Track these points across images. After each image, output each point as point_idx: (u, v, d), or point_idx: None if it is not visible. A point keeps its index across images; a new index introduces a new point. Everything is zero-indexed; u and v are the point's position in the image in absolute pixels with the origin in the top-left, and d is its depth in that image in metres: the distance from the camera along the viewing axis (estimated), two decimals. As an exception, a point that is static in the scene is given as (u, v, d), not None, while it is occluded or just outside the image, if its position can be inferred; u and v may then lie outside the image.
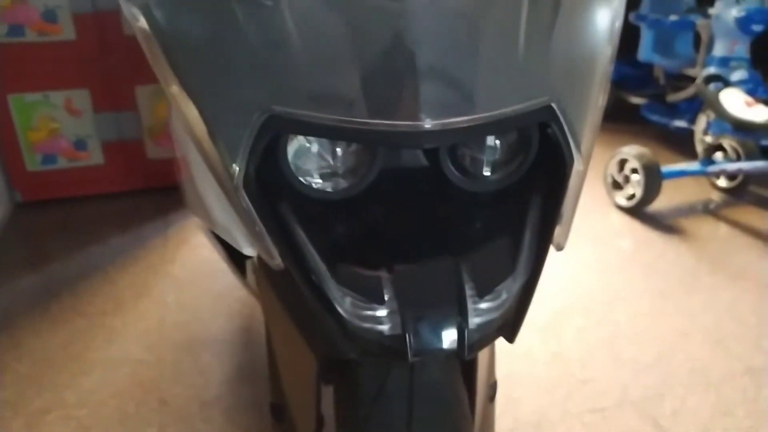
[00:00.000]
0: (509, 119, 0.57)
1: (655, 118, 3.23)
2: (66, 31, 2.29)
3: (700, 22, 2.95)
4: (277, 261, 0.60)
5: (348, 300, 0.58)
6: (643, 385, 1.49)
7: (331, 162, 0.62)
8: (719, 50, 2.73)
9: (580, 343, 1.64)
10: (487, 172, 0.65)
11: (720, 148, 2.52)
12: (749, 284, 1.95)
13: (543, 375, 1.52)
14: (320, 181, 0.62)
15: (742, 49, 2.66)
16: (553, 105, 0.59)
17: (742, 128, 2.23)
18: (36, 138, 2.41)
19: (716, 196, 2.64)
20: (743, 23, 2.60)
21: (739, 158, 2.48)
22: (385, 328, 0.58)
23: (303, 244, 0.58)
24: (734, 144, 2.47)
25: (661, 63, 3.29)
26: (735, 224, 2.38)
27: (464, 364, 0.73)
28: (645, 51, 3.28)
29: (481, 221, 0.67)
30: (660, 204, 2.43)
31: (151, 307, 1.81)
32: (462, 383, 0.72)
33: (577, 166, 0.61)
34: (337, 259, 0.59)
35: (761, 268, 2.05)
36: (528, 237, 0.62)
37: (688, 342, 1.66)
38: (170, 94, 0.59)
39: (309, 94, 0.54)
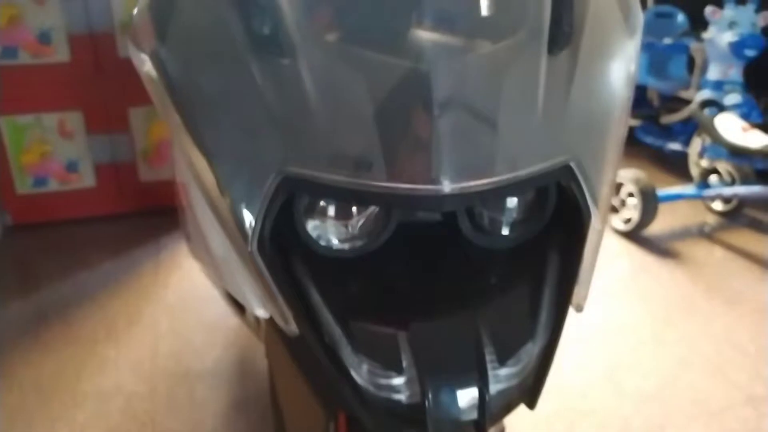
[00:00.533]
0: (528, 180, 0.56)
1: (649, 140, 3.24)
2: (60, 53, 2.27)
3: (693, 45, 2.97)
4: (292, 327, 0.58)
5: (365, 367, 0.56)
6: (645, 416, 1.47)
7: (347, 222, 0.61)
8: (713, 74, 2.75)
9: (581, 374, 1.62)
10: (505, 231, 0.64)
11: (715, 171, 2.52)
12: (746, 309, 1.94)
13: (544, 407, 1.50)
14: (335, 240, 0.61)
15: (736, 73, 2.67)
16: (572, 164, 0.58)
17: (738, 153, 2.24)
18: (28, 160, 2.38)
19: (711, 219, 2.64)
20: (737, 48, 2.62)
21: (734, 182, 2.48)
22: (403, 396, 0.56)
23: (318, 308, 0.56)
24: (729, 168, 2.48)
25: (655, 85, 3.31)
26: (730, 248, 2.38)
27: None
28: (639, 73, 3.29)
29: (498, 276, 0.66)
30: (656, 227, 2.43)
31: (144, 335, 1.78)
32: None
33: (595, 224, 0.60)
34: (352, 319, 0.58)
35: (757, 293, 2.05)
36: (547, 298, 0.61)
37: (688, 371, 1.64)
38: (178, 139, 0.58)
39: (326, 156, 0.53)
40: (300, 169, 0.53)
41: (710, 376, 1.62)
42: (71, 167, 2.44)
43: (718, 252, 2.37)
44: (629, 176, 2.37)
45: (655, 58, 3.25)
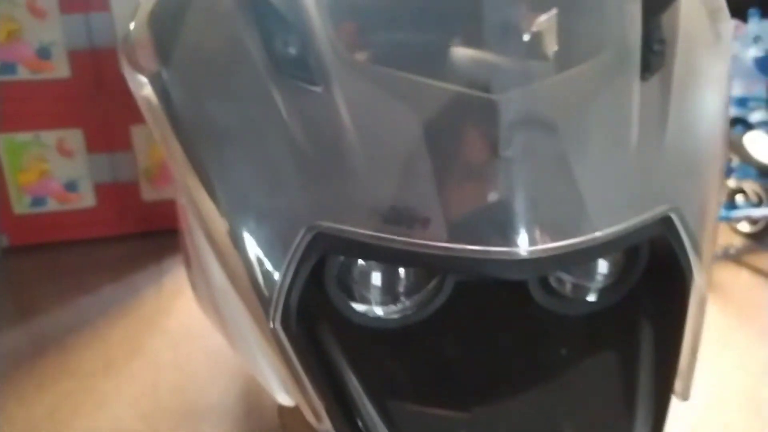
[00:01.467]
0: (621, 239, 0.45)
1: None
2: (60, 69, 2.18)
3: (714, 61, 2.88)
4: (326, 425, 0.47)
5: None
6: (682, 460, 1.36)
7: (392, 286, 0.50)
8: (737, 90, 2.65)
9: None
10: (591, 298, 0.53)
11: (741, 191, 2.42)
12: (783, 340, 1.83)
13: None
14: (378, 308, 0.50)
15: (761, 89, 2.58)
16: (673, 216, 0.47)
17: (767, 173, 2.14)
18: (25, 179, 2.29)
19: (737, 242, 2.53)
20: (762, 64, 2.53)
21: (761, 203, 2.38)
22: None
23: (355, 393, 0.45)
24: (757, 188, 2.37)
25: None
26: (758, 271, 2.27)
27: None
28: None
29: (578, 354, 0.54)
30: (680, 250, 2.32)
31: (145, 367, 1.67)
32: None
33: (699, 284, 0.49)
34: (394, 401, 0.47)
35: (792, 322, 1.94)
36: (643, 380, 0.49)
37: (722, 410, 1.53)
38: (180, 173, 0.47)
39: (370, 209, 0.43)
40: (336, 224, 0.42)
41: (747, 415, 1.51)
42: (70, 187, 2.35)
43: (745, 276, 2.26)
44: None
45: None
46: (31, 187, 2.30)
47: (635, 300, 0.52)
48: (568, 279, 0.53)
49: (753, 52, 2.54)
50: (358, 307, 0.49)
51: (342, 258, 0.47)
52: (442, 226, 0.42)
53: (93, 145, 2.31)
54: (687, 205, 0.48)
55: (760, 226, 2.47)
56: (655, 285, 0.52)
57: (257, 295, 0.44)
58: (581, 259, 0.47)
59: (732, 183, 2.38)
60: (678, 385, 0.52)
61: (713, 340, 1.83)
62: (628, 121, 0.47)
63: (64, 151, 2.29)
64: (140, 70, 0.50)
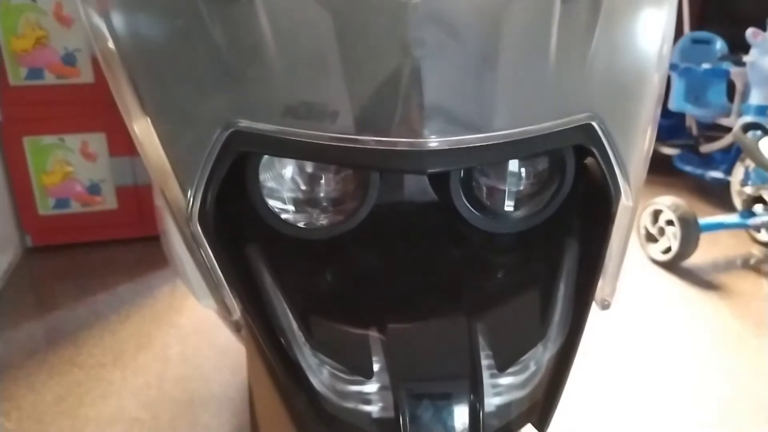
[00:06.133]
0: (537, 140, 0.46)
1: (688, 168, 3.10)
2: (84, 74, 2.26)
3: (734, 70, 2.84)
4: (235, 316, 0.48)
5: (326, 371, 0.46)
6: (689, 462, 1.32)
7: (314, 193, 0.52)
8: (756, 98, 2.62)
9: (617, 415, 1.48)
10: (509, 208, 0.53)
11: (760, 199, 2.37)
12: (800, 348, 1.78)
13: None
14: (299, 216, 0.51)
15: (781, 97, 2.54)
16: (594, 124, 0.47)
17: (786, 179, 2.10)
18: (50, 181, 2.36)
19: (757, 251, 2.47)
20: (781, 71, 2.49)
21: (781, 210, 2.33)
22: (373, 409, 0.46)
23: (273, 297, 0.46)
24: (775, 195, 2.33)
25: (693, 113, 3.18)
26: (779, 281, 2.22)
27: None
28: (676, 100, 3.17)
29: (503, 271, 0.55)
30: (696, 258, 2.28)
31: (152, 360, 1.70)
32: None
33: (625, 200, 0.49)
34: (315, 316, 0.47)
35: (812, 330, 1.88)
36: (563, 292, 0.50)
37: (736, 413, 1.49)
38: (128, 119, 0.50)
39: (282, 106, 0.44)
40: (251, 122, 0.44)
41: (762, 421, 1.47)
42: (93, 189, 2.42)
43: (765, 285, 2.21)
44: (667, 203, 2.24)
45: (692, 84, 3.13)
46: (54, 189, 2.37)
47: (564, 220, 0.53)
48: (484, 182, 0.53)
49: (772, 60, 2.51)
50: (282, 215, 0.50)
51: (263, 160, 0.48)
52: (349, 118, 0.43)
53: (115, 149, 2.38)
54: (612, 117, 0.48)
55: (780, 235, 2.42)
56: (584, 206, 0.52)
57: (178, 195, 0.46)
58: (491, 156, 0.47)
59: (749, 190, 2.34)
60: (600, 295, 0.52)
61: (729, 346, 1.79)
62: (548, 28, 0.47)
63: (87, 155, 2.37)
64: (96, 10, 0.53)
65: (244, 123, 0.45)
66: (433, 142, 0.43)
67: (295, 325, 0.46)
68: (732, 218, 2.34)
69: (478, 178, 0.53)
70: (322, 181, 0.51)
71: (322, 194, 0.52)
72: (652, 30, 0.53)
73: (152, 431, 1.40)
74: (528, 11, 0.48)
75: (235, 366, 1.65)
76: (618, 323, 1.90)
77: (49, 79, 2.24)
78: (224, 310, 0.49)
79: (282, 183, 0.51)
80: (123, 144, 2.37)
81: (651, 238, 2.33)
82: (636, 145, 0.51)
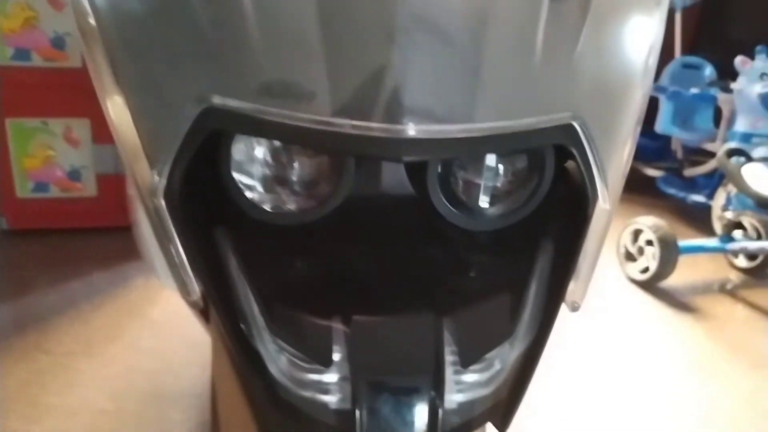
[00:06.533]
0: (518, 136, 0.45)
1: (671, 191, 3.13)
2: (72, 59, 2.24)
3: (721, 97, 2.88)
4: (194, 296, 0.47)
5: (284, 358, 0.45)
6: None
7: (287, 176, 0.50)
8: (741, 125, 2.65)
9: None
10: (484, 204, 0.53)
11: (740, 225, 2.40)
12: (770, 373, 1.79)
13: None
14: (270, 200, 0.50)
15: (766, 125, 2.57)
16: (576, 125, 0.47)
17: (765, 205, 2.11)
18: (30, 165, 2.33)
19: (734, 276, 2.49)
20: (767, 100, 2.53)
21: (759, 237, 2.35)
22: (331, 399, 0.45)
23: (236, 279, 0.45)
24: (755, 222, 2.35)
25: (679, 136, 3.21)
26: (754, 307, 2.23)
27: None
28: (663, 123, 3.20)
29: (476, 269, 0.54)
30: (674, 280, 2.29)
31: (122, 351, 1.67)
32: None
33: (603, 204, 0.49)
34: (279, 302, 0.46)
35: (783, 357, 1.90)
36: (534, 292, 0.49)
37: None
38: (102, 96, 0.49)
39: (259, 84, 0.43)
40: (226, 99, 0.43)
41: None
42: (73, 175, 2.38)
43: (740, 310, 2.23)
44: (648, 223, 2.25)
45: (680, 108, 3.16)
46: (35, 173, 2.34)
47: (541, 221, 0.52)
48: (461, 175, 0.52)
49: (759, 89, 2.54)
50: (253, 198, 0.49)
51: (235, 140, 0.47)
52: (326, 101, 0.42)
53: (99, 136, 2.35)
54: (593, 120, 0.48)
55: (757, 262, 2.44)
56: (562, 208, 0.52)
57: (147, 172, 0.45)
58: (470, 149, 0.46)
59: (730, 215, 2.36)
60: (570, 297, 0.52)
61: (703, 368, 1.80)
62: (533, 28, 0.47)
63: (70, 140, 2.34)
64: None
65: (218, 99, 0.43)
66: (411, 130, 0.42)
67: (256, 309, 0.45)
68: (711, 242, 2.36)
69: (456, 171, 0.52)
70: (296, 164, 0.50)
71: (294, 178, 0.50)
72: (640, 38, 0.53)
73: (117, 423, 1.38)
74: (516, 7, 0.47)
75: (205, 362, 1.62)
76: (593, 340, 1.90)
77: (37, 61, 2.21)
78: (184, 290, 0.48)
79: (254, 165, 0.49)
80: (107, 131, 2.30)
81: (630, 257, 2.35)
82: (616, 150, 0.50)
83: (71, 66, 2.24)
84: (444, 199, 0.50)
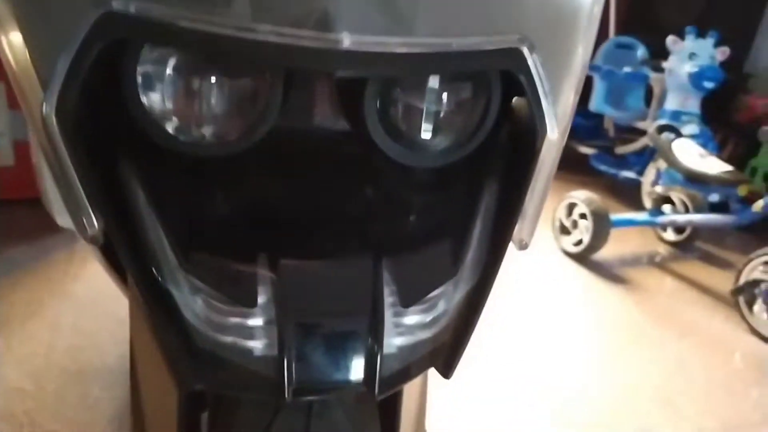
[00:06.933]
0: (462, 56, 0.42)
1: (603, 168, 3.21)
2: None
3: (653, 76, 2.95)
4: (92, 230, 0.41)
5: (200, 300, 0.40)
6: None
7: (203, 99, 0.45)
8: (671, 104, 2.73)
9: (523, 400, 1.49)
10: (426, 134, 0.48)
11: (669, 200, 2.48)
12: (697, 340, 1.86)
13: None
14: (183, 128, 0.44)
15: (694, 104, 2.66)
16: (524, 49, 0.44)
17: (694, 179, 2.19)
18: (-62, 132, 2.15)
19: (663, 249, 2.58)
20: (696, 79, 2.61)
21: (687, 211, 2.43)
22: (255, 345, 0.40)
23: (143, 214, 0.40)
24: (683, 197, 2.43)
25: (612, 114, 3.29)
26: (681, 278, 2.32)
27: (382, 406, 0.55)
28: (597, 102, 3.27)
29: (417, 208, 0.51)
30: (606, 253, 2.35)
31: (42, 328, 1.57)
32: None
33: (551, 134, 0.46)
34: (195, 240, 0.42)
35: (709, 325, 1.97)
36: (478, 232, 0.46)
37: (637, 400, 1.54)
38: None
39: None
40: (127, 1, 0.37)
41: (660, 406, 1.52)
42: (-12, 144, 2.22)
43: (668, 282, 2.31)
44: (582, 197, 2.29)
45: (613, 87, 3.23)
46: (-58, 141, 2.17)
47: (485, 160, 0.49)
48: (401, 98, 0.48)
49: (688, 68, 2.62)
50: (164, 125, 0.44)
51: (142, 55, 0.41)
52: (246, 4, 0.37)
53: (15, 101, 2.19)
54: (542, 45, 0.45)
55: (684, 236, 2.53)
56: (506, 148, 0.49)
57: (38, 93, 0.39)
58: (410, 66, 0.42)
59: (660, 189, 2.43)
60: (518, 236, 0.50)
61: (631, 337, 1.85)
62: None
63: (-18, 106, 2.17)
64: None
65: (118, 2, 0.37)
66: (347, 40, 0.38)
67: (167, 247, 0.40)
68: (642, 216, 2.43)
69: (395, 96, 0.48)
70: (214, 85, 0.44)
71: (213, 101, 0.44)
72: None
73: (36, 402, 1.29)
74: None
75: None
76: (529, 312, 1.92)
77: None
78: (80, 225, 0.42)
79: (165, 86, 0.43)
80: None
81: (564, 230, 2.39)
82: (566, 79, 0.48)
83: (-17, 24, 2.07)
84: (381, 130, 0.46)
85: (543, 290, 2.10)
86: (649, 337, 1.87)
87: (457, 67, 0.45)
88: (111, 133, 0.42)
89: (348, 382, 0.41)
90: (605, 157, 3.26)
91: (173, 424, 0.53)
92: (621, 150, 3.17)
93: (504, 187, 0.48)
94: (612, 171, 3.14)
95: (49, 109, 0.38)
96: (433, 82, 0.47)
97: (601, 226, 2.22)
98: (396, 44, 0.39)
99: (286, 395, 0.40)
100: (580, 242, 2.30)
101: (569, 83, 0.48)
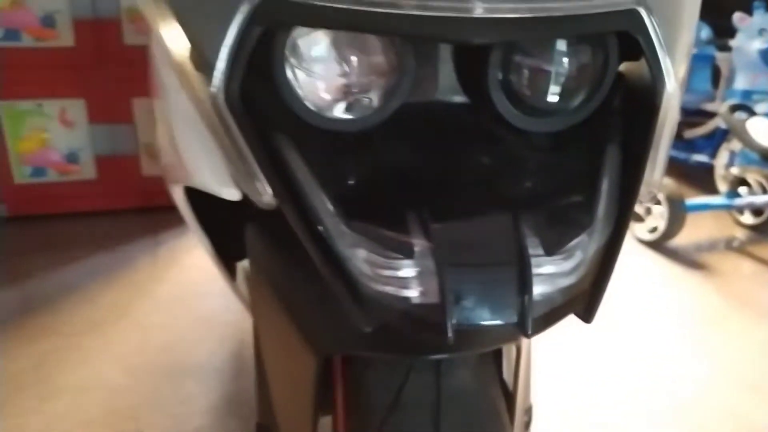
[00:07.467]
0: (585, 18, 0.44)
1: (673, 153, 3.12)
2: (64, 38, 2.19)
3: (719, 55, 2.86)
4: (267, 197, 0.46)
5: (362, 254, 0.43)
6: (678, 433, 1.33)
7: (343, 79, 0.48)
8: (741, 83, 2.64)
9: (608, 389, 1.48)
10: (553, 97, 0.51)
11: (744, 182, 2.39)
12: (782, 325, 1.80)
13: (567, 425, 1.36)
14: (327, 105, 0.48)
15: (766, 81, 2.56)
16: (640, 10, 0.46)
17: (771, 158, 2.11)
18: (26, 148, 2.29)
19: (740, 233, 2.50)
20: (767, 56, 2.51)
21: (765, 192, 2.35)
22: (414, 293, 0.43)
23: (305, 181, 0.44)
24: (759, 177, 2.35)
25: (677, 98, 3.19)
26: (761, 261, 2.24)
27: (499, 369, 0.58)
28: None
29: (542, 169, 0.53)
30: (681, 240, 2.29)
31: (134, 328, 1.66)
32: (500, 393, 0.58)
33: (670, 89, 0.48)
34: (351, 203, 0.45)
35: (794, 309, 1.91)
36: (606, 186, 0.48)
37: (721, 387, 1.50)
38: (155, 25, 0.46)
39: None
40: None
41: (745, 391, 1.48)
42: (71, 158, 2.35)
43: (747, 265, 2.23)
44: (654, 183, 2.24)
45: (678, 69, 3.14)
46: (31, 157, 2.30)
47: (603, 121, 0.51)
48: (528, 63, 0.51)
49: (758, 45, 2.53)
50: (309, 103, 0.47)
51: (289, 41, 0.45)
52: None
53: (95, 116, 2.31)
54: (657, 6, 0.47)
55: (762, 219, 2.44)
56: (621, 113, 0.51)
57: (202, 80, 0.43)
58: (538, 31, 0.45)
59: (735, 171, 2.35)
60: (645, 188, 0.51)
61: (712, 323, 1.80)
62: None
63: (65, 121, 2.29)
64: None
65: None
66: (479, 8, 0.41)
67: (330, 209, 0.44)
68: (718, 199, 2.36)
69: (521, 60, 0.51)
70: (354, 64, 0.48)
71: (353, 79, 0.48)
72: None
73: (135, 398, 1.36)
74: None
75: (221, 335, 1.61)
76: (608, 302, 1.90)
77: (27, 41, 2.17)
78: (256, 194, 0.46)
79: (309, 67, 0.47)
80: (103, 111, 2.31)
81: (638, 218, 2.34)
82: (680, 36, 0.50)
83: (63, 45, 2.19)
84: (505, 97, 0.49)
85: (619, 279, 2.06)
86: (730, 323, 1.81)
87: (580, 30, 0.47)
88: (265, 111, 0.45)
89: (502, 324, 0.44)
90: (674, 141, 3.18)
91: (302, 408, 0.57)
92: (690, 134, 3.08)
93: (625, 145, 0.50)
94: (682, 156, 3.05)
95: (219, 89, 0.42)
96: (561, 45, 0.50)
97: (677, 212, 2.17)
98: (524, 9, 0.42)
99: (449, 336, 0.42)
100: (654, 229, 2.25)
101: (682, 40, 0.50)
